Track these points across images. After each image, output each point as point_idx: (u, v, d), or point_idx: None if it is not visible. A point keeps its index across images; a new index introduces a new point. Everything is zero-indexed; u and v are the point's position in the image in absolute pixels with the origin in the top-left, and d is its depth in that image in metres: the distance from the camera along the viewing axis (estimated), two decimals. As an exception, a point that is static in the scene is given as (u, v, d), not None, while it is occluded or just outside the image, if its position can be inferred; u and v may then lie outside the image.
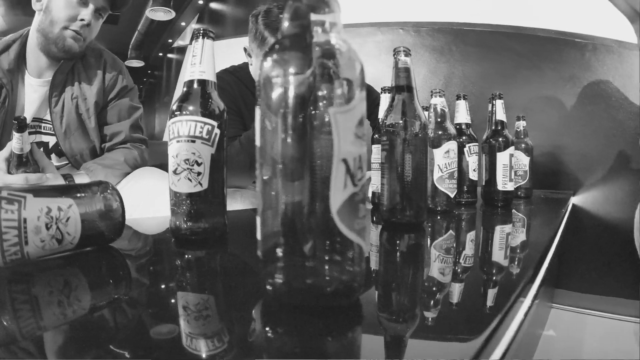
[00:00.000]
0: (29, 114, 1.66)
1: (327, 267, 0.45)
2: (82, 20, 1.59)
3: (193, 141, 0.82)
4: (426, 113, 1.41)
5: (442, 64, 2.83)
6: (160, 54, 5.88)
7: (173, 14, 4.78)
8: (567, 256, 2.34)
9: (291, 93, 0.44)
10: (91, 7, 1.60)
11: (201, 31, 0.87)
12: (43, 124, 1.70)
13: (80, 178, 1.56)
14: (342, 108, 0.44)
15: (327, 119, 0.43)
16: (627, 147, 2.29)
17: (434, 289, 0.65)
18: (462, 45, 2.78)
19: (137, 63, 5.58)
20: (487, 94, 1.65)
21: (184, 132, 0.82)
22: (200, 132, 0.82)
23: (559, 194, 2.33)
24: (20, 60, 1.65)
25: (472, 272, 0.78)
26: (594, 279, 2.34)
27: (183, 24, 5.43)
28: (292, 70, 0.44)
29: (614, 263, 2.31)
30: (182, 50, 5.54)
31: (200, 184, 0.82)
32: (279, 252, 0.45)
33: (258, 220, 0.47)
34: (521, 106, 2.44)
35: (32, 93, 1.66)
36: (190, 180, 0.82)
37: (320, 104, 0.44)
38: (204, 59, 0.87)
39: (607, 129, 2.35)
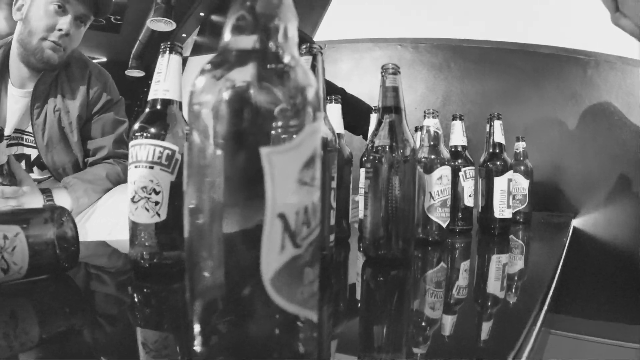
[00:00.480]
0: (10, 124, 1.60)
1: (263, 345, 0.36)
2: (60, 30, 1.52)
3: (151, 167, 0.75)
4: (419, 134, 1.34)
5: (440, 80, 2.76)
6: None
7: (174, 25, 4.73)
8: (567, 281, 2.27)
9: (220, 124, 0.35)
10: (70, 16, 1.53)
11: (168, 45, 0.80)
12: (25, 136, 1.64)
13: (59, 193, 1.50)
14: (281, 147, 0.35)
15: (258, 162, 0.35)
16: (630, 168, 2.21)
17: (424, 332, 0.62)
18: (461, 61, 2.72)
19: (137, 73, 5.52)
20: (486, 113, 1.57)
21: (142, 157, 0.75)
22: (160, 158, 0.75)
23: (559, 217, 2.26)
24: (4, 69, 1.59)
25: (467, 313, 0.74)
26: (595, 304, 2.27)
27: (184, 35, 5.38)
28: (225, 95, 0.36)
29: (615, 288, 2.24)
30: (183, 62, 5.53)
31: (158, 215, 0.75)
32: (205, 324, 0.37)
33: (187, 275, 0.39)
34: (521, 125, 2.37)
35: (14, 104, 1.60)
36: (147, 210, 0.75)
37: (251, 140, 0.35)
38: (168, 76, 0.80)
39: (610, 149, 2.28)
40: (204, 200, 0.36)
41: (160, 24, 4.70)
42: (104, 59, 5.05)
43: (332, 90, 1.97)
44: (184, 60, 5.63)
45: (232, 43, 0.40)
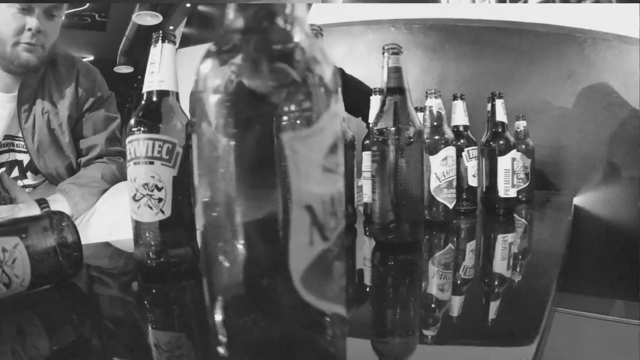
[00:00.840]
0: (0, 131, 1.55)
1: (293, 345, 0.33)
2: (29, 29, 1.45)
3: (152, 163, 0.71)
4: (420, 115, 1.31)
5: (435, 62, 2.72)
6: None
7: (160, 19, 4.68)
8: (569, 258, 2.25)
9: (231, 112, 0.32)
10: (35, 13, 1.45)
11: (160, 34, 0.76)
12: (16, 142, 1.59)
13: (56, 202, 1.45)
14: (303, 132, 0.32)
15: (279, 150, 0.31)
16: (629, 146, 2.18)
17: (443, 315, 0.61)
18: (457, 42, 2.68)
19: (126, 69, 5.48)
20: (482, 94, 1.54)
21: (141, 152, 0.72)
22: (159, 152, 0.71)
23: (560, 196, 2.24)
24: None
25: (485, 296, 0.75)
26: (596, 281, 2.26)
27: (171, 27, 5.33)
28: (234, 79, 0.33)
29: (616, 265, 2.22)
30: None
31: (162, 212, 0.72)
32: (230, 324, 0.34)
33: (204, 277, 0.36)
34: (519, 105, 2.33)
35: (1, 109, 1.55)
36: (150, 207, 0.72)
37: (267, 126, 0.32)
38: (162, 66, 0.76)
39: (609, 127, 2.25)
40: (219, 196, 0.33)
41: (146, 18, 4.66)
42: (92, 58, 4.99)
43: None
44: (173, 53, 5.58)
45: (238, 21, 0.36)
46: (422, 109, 1.34)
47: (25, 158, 1.60)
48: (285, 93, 0.32)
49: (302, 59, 0.34)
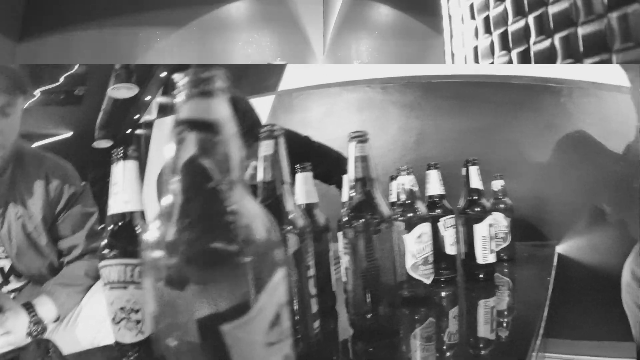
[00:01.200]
0: None
1: None
2: None
3: (125, 287, 0.72)
4: (395, 184, 1.32)
5: (412, 119, 2.75)
6: (129, 131, 5.75)
7: (136, 90, 4.68)
8: (556, 304, 2.25)
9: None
10: None
11: (120, 152, 0.77)
12: None
13: (42, 304, 1.42)
14: (242, 320, 0.32)
15: (219, 338, 0.32)
16: (610, 192, 2.21)
17: None
18: (433, 99, 2.71)
19: (105, 143, 5.46)
20: (463, 149, 1.55)
21: (114, 277, 0.73)
22: (132, 276, 0.72)
23: (543, 247, 2.25)
24: None
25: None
26: (585, 325, 2.25)
27: (148, 97, 5.35)
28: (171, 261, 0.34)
29: (603, 307, 2.22)
30: (150, 125, 5.48)
31: (142, 332, 0.73)
32: None
33: None
34: (499, 158, 2.35)
35: None
36: (130, 329, 0.73)
37: (207, 316, 0.32)
38: (126, 186, 0.76)
39: (589, 175, 2.27)
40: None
41: (122, 91, 4.62)
42: (70, 134, 4.99)
43: (297, 141, 1.89)
44: (151, 123, 5.56)
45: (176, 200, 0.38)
46: (396, 177, 1.35)
47: (5, 264, 1.58)
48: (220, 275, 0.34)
49: (240, 231, 0.35)
